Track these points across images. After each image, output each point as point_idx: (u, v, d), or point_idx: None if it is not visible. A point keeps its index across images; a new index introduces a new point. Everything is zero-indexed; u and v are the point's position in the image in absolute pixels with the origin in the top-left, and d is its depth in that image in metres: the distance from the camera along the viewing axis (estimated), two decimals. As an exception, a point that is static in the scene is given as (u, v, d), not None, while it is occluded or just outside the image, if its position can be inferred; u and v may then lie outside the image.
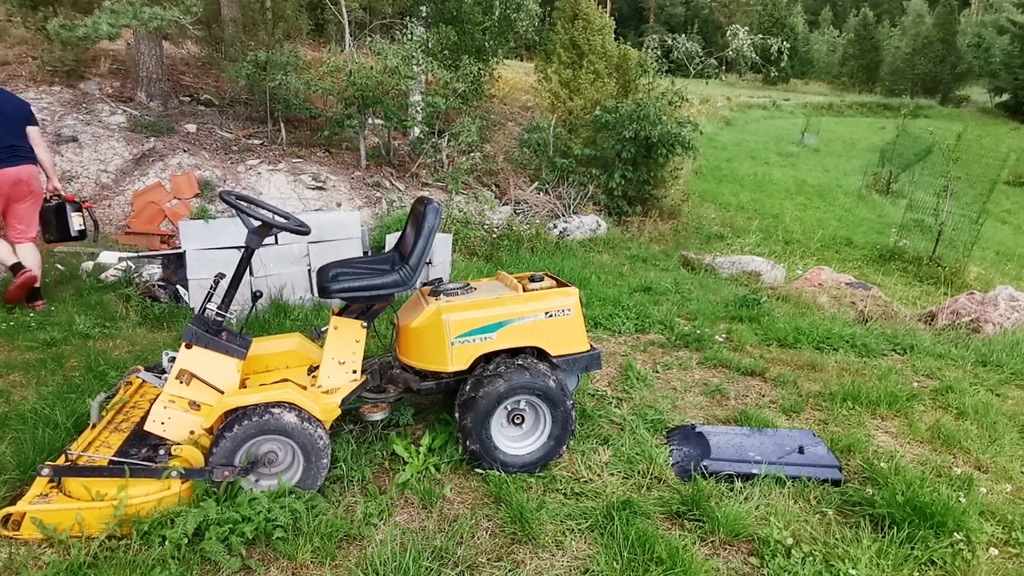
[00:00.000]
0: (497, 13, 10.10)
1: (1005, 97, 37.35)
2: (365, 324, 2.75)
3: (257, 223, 2.50)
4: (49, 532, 2.13)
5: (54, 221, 4.51)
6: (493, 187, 9.48)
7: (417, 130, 9.32)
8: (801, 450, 2.78)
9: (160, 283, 5.12)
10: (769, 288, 6.52)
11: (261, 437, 2.37)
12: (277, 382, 2.64)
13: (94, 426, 2.61)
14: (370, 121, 8.88)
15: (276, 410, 2.36)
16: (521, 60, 25.17)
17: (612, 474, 2.73)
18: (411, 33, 8.75)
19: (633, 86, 11.78)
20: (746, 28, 12.32)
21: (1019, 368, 4.18)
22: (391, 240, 5.50)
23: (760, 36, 12.01)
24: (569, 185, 9.36)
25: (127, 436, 2.52)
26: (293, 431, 2.37)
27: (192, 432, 2.42)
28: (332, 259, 3.06)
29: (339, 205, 7.62)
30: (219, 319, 2.54)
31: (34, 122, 4.54)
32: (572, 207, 9.08)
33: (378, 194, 8.08)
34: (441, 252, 5.59)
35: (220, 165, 7.74)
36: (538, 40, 14.41)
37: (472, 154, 9.49)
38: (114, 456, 2.36)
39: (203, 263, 4.78)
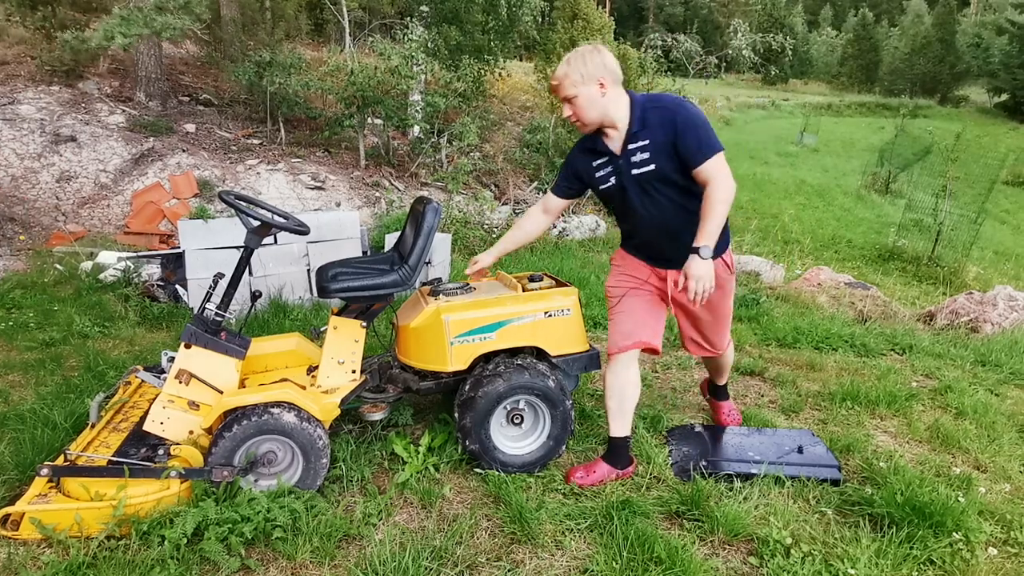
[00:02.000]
0: (505, 12, 10.08)
1: (1004, 97, 37.39)
2: (364, 324, 2.75)
3: (256, 223, 2.49)
4: (48, 532, 2.13)
5: None
6: (493, 187, 9.48)
7: (417, 130, 9.32)
8: (800, 450, 2.78)
9: (159, 283, 5.12)
10: (768, 288, 6.52)
11: (260, 437, 2.36)
12: (276, 382, 2.64)
13: (93, 426, 2.60)
14: (369, 121, 8.88)
15: (275, 410, 2.36)
16: (521, 60, 25.15)
17: (611, 474, 2.72)
18: (412, 33, 8.74)
19: (632, 86, 11.78)
20: (746, 26, 12.37)
21: (1018, 368, 4.18)
22: (390, 240, 5.50)
23: (761, 36, 12.03)
24: (568, 185, 9.34)
25: (126, 436, 2.52)
26: (292, 431, 2.37)
27: (191, 432, 2.41)
28: (331, 259, 3.06)
29: (338, 205, 7.62)
30: (218, 319, 2.54)
31: None
32: (571, 207, 9.08)
33: (377, 194, 8.08)
34: (440, 252, 5.59)
35: (219, 165, 7.73)
36: (538, 39, 14.41)
37: (472, 154, 9.49)
38: (113, 456, 2.36)
39: (202, 263, 4.78)
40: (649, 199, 2.45)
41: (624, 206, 2.53)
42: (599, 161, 2.50)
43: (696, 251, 2.27)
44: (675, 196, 2.43)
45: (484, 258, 2.80)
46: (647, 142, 2.37)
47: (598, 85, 2.35)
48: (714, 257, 2.39)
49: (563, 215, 8.81)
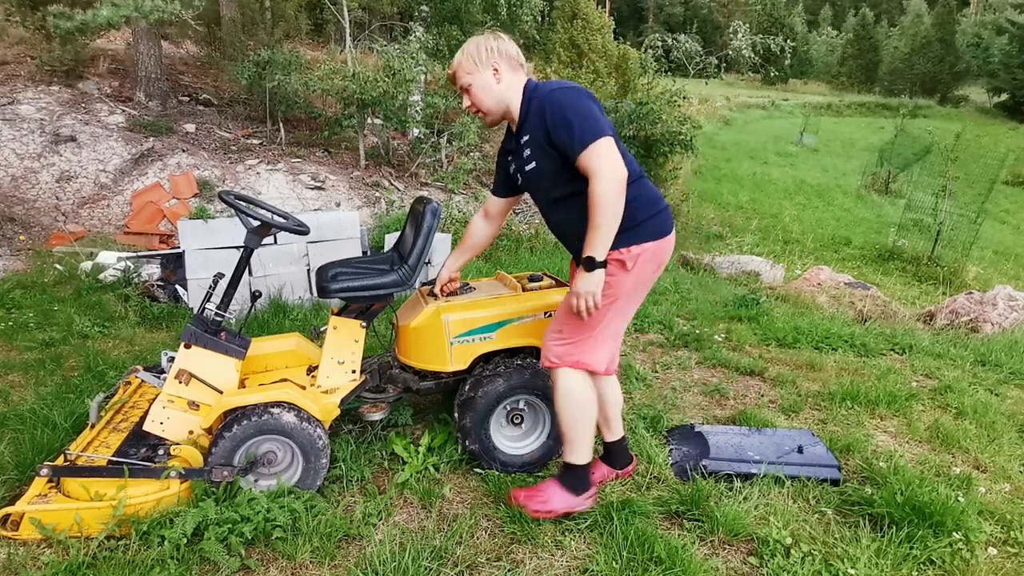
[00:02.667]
0: (504, 12, 10.09)
1: (1003, 97, 37.42)
2: (364, 324, 2.75)
3: (256, 223, 2.49)
4: (48, 532, 2.13)
5: None
6: (492, 187, 9.48)
7: (416, 130, 9.32)
8: (800, 450, 2.78)
9: (159, 283, 5.12)
10: (768, 288, 6.53)
11: (260, 437, 2.36)
12: (276, 382, 2.64)
13: (93, 426, 2.60)
14: (369, 121, 8.88)
15: (275, 410, 2.35)
16: (520, 60, 25.09)
17: (611, 474, 2.72)
18: (412, 34, 8.75)
19: (633, 86, 11.80)
20: (746, 27, 12.42)
21: (1018, 367, 4.18)
22: (390, 240, 5.50)
23: (761, 36, 12.07)
24: (568, 185, 9.35)
25: (126, 436, 2.52)
26: (292, 431, 2.37)
27: (191, 432, 2.41)
28: (331, 259, 3.05)
29: (338, 205, 7.62)
30: (218, 319, 2.54)
31: None
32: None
33: (377, 194, 8.08)
34: (441, 252, 5.59)
35: (219, 165, 7.73)
36: (538, 39, 14.41)
37: (472, 154, 9.49)
38: (113, 456, 2.36)
39: (202, 263, 4.78)
40: (546, 201, 2.26)
41: (536, 206, 2.33)
42: (509, 158, 2.35)
43: (583, 262, 2.06)
44: (566, 197, 2.18)
45: (443, 274, 2.70)
46: (528, 136, 2.17)
47: (492, 71, 2.18)
48: (613, 250, 2.11)
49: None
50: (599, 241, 2.03)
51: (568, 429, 2.28)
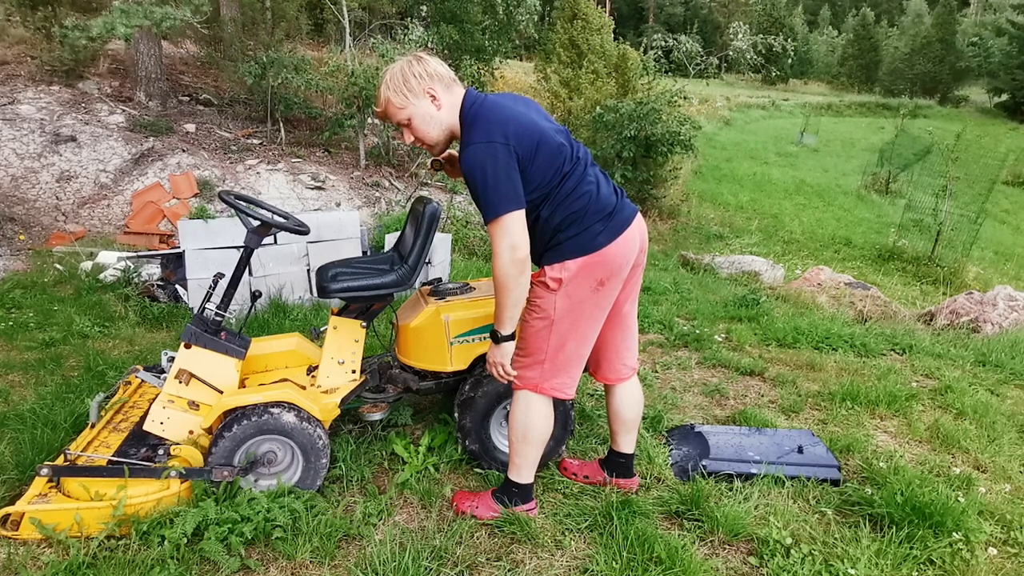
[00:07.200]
0: (501, 12, 10.10)
1: (1004, 97, 37.47)
2: (364, 324, 2.75)
3: (256, 223, 2.49)
4: (48, 532, 2.13)
5: None
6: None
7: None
8: (800, 450, 2.78)
9: (159, 283, 5.12)
10: (768, 288, 6.53)
11: (260, 437, 2.36)
12: (276, 382, 2.64)
13: (93, 426, 2.60)
14: (369, 121, 8.88)
15: (275, 410, 2.35)
16: (521, 60, 25.17)
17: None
18: (411, 33, 8.76)
19: (632, 86, 11.80)
20: (747, 27, 12.47)
21: (1018, 368, 4.18)
22: (390, 240, 5.50)
23: (762, 37, 12.11)
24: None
25: (126, 436, 2.52)
26: (292, 431, 2.37)
27: (191, 432, 2.41)
28: (331, 259, 3.05)
29: (338, 205, 7.62)
30: (218, 319, 2.54)
31: None
32: None
33: (377, 194, 8.08)
34: (441, 252, 5.59)
35: (219, 165, 7.74)
36: (538, 40, 14.41)
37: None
38: (113, 456, 2.36)
39: (202, 263, 4.78)
40: None
41: None
42: None
43: (491, 334, 2.16)
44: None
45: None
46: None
47: (428, 98, 2.03)
48: (543, 265, 2.14)
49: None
50: (501, 317, 2.09)
51: (513, 447, 2.30)
